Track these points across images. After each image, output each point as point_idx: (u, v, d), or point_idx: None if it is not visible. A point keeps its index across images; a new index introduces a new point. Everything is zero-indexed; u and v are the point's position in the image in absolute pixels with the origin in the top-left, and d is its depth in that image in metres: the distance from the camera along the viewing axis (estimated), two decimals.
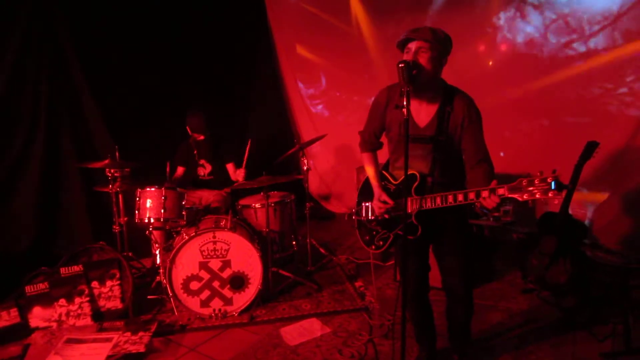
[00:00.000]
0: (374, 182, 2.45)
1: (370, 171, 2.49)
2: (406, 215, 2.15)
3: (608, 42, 4.07)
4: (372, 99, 2.41)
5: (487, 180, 2.06)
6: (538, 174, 1.83)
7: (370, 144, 2.50)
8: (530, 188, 1.84)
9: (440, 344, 2.66)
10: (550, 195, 1.80)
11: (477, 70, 4.72)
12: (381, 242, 2.45)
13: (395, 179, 2.40)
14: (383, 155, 2.53)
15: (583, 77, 4.24)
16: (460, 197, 2.05)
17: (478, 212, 3.94)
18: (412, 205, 2.22)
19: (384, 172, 2.49)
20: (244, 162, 4.07)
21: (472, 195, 2.02)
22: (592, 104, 4.22)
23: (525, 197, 1.85)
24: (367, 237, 2.54)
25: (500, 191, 1.92)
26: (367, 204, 2.53)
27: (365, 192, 2.54)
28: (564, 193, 1.78)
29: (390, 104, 2.28)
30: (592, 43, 4.17)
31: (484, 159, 2.16)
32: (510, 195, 1.90)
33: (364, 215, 2.56)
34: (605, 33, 4.08)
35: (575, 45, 4.27)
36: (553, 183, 1.79)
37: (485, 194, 1.95)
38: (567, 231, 3.21)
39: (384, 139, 2.49)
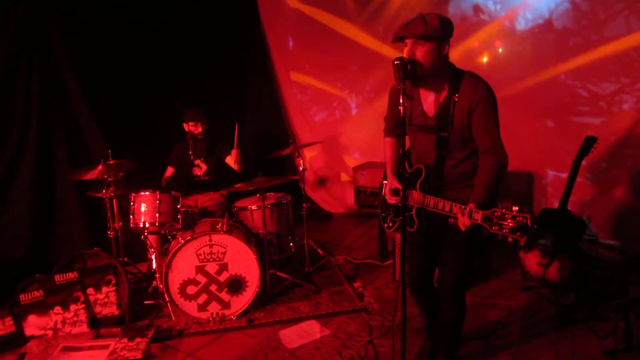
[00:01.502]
0: (388, 168, 2.46)
1: (387, 157, 2.50)
2: (406, 209, 2.14)
3: (625, 28, 3.66)
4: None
5: (485, 185, 2.00)
6: (514, 208, 1.79)
7: (391, 131, 2.50)
8: (501, 222, 1.80)
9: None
10: (517, 235, 1.76)
11: (472, 64, 4.63)
12: (390, 224, 2.50)
13: (410, 167, 2.38)
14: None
15: (595, 70, 3.87)
16: (447, 208, 2.03)
17: None
18: (414, 199, 2.20)
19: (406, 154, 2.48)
20: (235, 143, 4.07)
21: (455, 209, 1.98)
22: (605, 101, 3.88)
23: (494, 229, 1.82)
24: (383, 214, 2.58)
25: (476, 216, 1.88)
26: (385, 182, 2.55)
27: None
28: (524, 238, 1.76)
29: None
30: (606, 30, 3.73)
31: (491, 147, 2.05)
32: (482, 224, 1.86)
33: (383, 192, 2.58)
34: (621, 18, 3.66)
35: (585, 33, 3.85)
36: (518, 227, 1.75)
37: (460, 215, 1.93)
38: (565, 227, 3.20)
39: None
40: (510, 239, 1.78)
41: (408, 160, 2.40)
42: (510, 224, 1.77)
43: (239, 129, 4.06)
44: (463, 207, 1.94)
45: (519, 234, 1.75)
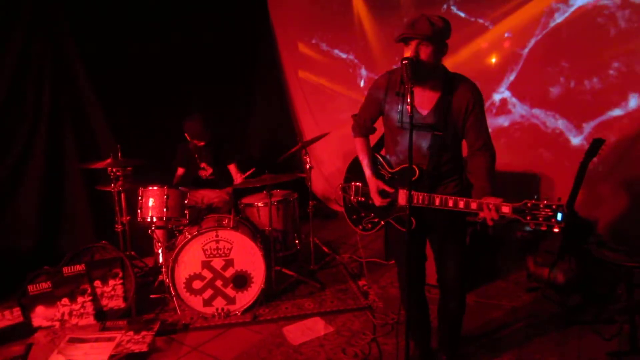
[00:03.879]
0: (368, 170, 2.42)
1: (364, 158, 2.46)
2: (411, 210, 2.11)
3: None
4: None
5: (488, 178, 2.09)
6: (543, 198, 1.84)
7: (365, 129, 2.48)
8: (535, 212, 1.84)
9: (435, 343, 2.64)
10: (552, 221, 1.79)
11: (479, 65, 4.63)
12: (370, 225, 2.47)
13: (390, 166, 2.37)
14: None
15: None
16: (461, 205, 2.04)
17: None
18: (409, 199, 2.20)
19: (376, 154, 2.46)
20: (245, 174, 4.11)
21: (474, 206, 2.01)
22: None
23: (528, 219, 1.86)
24: (355, 217, 2.54)
25: (505, 209, 1.91)
26: (357, 184, 2.52)
27: (355, 170, 2.52)
28: (562, 225, 1.79)
29: (390, 91, 2.24)
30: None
31: (485, 144, 2.16)
32: (514, 216, 1.89)
33: (353, 195, 2.54)
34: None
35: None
36: (559, 214, 1.78)
37: (487, 210, 1.95)
38: (572, 229, 3.19)
39: (377, 124, 2.46)
40: (544, 227, 1.82)
41: (385, 160, 2.40)
42: (548, 213, 1.81)
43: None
44: (485, 202, 1.96)
45: (556, 220, 1.79)
